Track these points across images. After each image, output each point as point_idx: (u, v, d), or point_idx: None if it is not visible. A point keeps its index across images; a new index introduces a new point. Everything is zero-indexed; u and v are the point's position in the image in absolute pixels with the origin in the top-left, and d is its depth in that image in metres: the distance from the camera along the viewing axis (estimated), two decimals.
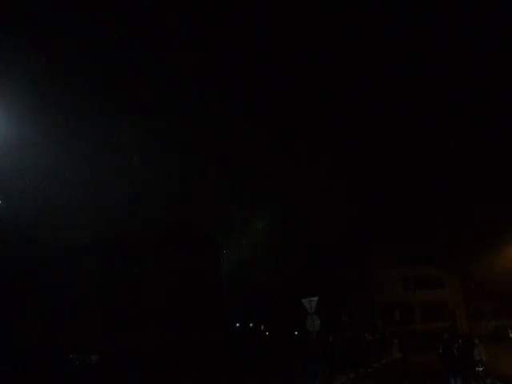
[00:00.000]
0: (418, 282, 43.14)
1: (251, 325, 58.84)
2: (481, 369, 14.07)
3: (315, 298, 16.44)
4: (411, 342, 28.39)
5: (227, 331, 43.01)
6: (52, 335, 37.73)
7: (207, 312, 38.98)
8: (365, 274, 43.04)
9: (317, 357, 16.97)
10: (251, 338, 48.78)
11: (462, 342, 15.46)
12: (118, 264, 40.54)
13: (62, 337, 37.47)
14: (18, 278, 38.35)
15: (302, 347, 27.99)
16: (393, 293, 42.06)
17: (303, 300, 16.61)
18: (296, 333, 46.05)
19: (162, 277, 39.88)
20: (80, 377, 26.20)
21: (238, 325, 54.93)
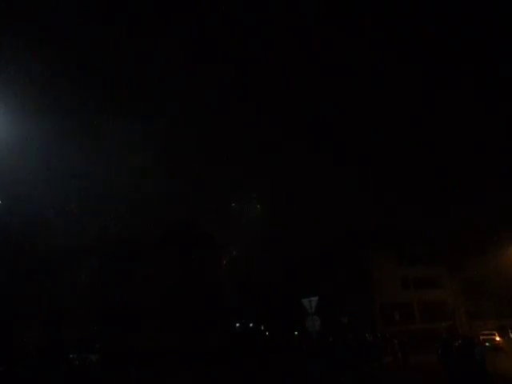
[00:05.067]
0: (417, 282, 43.09)
1: (251, 325, 58.85)
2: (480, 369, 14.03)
3: (315, 298, 16.39)
4: (411, 342, 28.34)
5: (227, 331, 42.98)
6: (52, 335, 37.72)
7: (207, 312, 38.96)
8: (365, 273, 42.97)
9: (317, 357, 16.96)
10: (251, 337, 48.75)
11: (462, 342, 15.42)
12: (117, 264, 40.51)
13: (62, 337, 37.46)
14: (17, 278, 38.34)
15: (302, 347, 28.00)
16: (393, 293, 42.00)
17: (303, 300, 16.57)
18: (296, 333, 46.03)
19: (162, 277, 39.85)
20: (80, 377, 26.19)
21: (237, 325, 54.94)
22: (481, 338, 29.36)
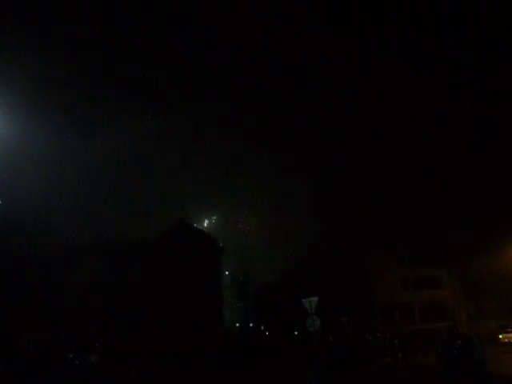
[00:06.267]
0: (417, 281, 43.07)
1: (251, 325, 58.87)
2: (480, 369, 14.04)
3: (315, 298, 16.38)
4: (411, 342, 28.35)
5: (227, 331, 43.01)
6: (52, 335, 37.71)
7: (207, 312, 38.95)
8: (365, 274, 42.96)
9: (317, 357, 16.95)
10: (251, 337, 48.75)
11: (462, 342, 15.42)
12: (118, 264, 40.50)
13: (62, 337, 37.45)
14: (18, 278, 38.35)
15: (302, 347, 28.00)
16: (393, 293, 41.97)
17: (303, 300, 16.55)
18: (296, 333, 46.04)
19: (162, 277, 39.84)
20: (80, 377, 26.17)
21: (237, 325, 54.97)
22: (500, 335, 34.31)
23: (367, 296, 42.31)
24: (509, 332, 34.21)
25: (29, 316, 38.58)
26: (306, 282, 43.91)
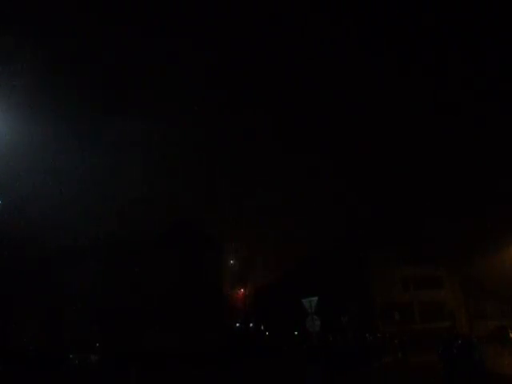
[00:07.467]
0: (417, 282, 43.09)
1: (251, 325, 58.83)
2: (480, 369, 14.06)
3: (315, 298, 16.41)
4: (411, 342, 28.36)
5: (227, 331, 43.01)
6: (52, 335, 37.73)
7: (207, 312, 38.98)
8: (365, 274, 42.99)
9: (317, 357, 16.98)
10: (251, 338, 48.75)
11: (462, 342, 15.43)
12: (118, 264, 40.52)
13: (62, 337, 37.47)
14: (18, 278, 38.33)
15: (302, 347, 28.02)
16: (393, 293, 42.00)
17: (303, 300, 16.58)
18: (296, 333, 46.04)
19: (162, 277, 39.86)
20: (80, 377, 26.18)
21: (237, 325, 54.93)
22: None
23: (367, 296, 42.35)
24: None
25: (29, 316, 38.60)
26: (306, 282, 43.92)
